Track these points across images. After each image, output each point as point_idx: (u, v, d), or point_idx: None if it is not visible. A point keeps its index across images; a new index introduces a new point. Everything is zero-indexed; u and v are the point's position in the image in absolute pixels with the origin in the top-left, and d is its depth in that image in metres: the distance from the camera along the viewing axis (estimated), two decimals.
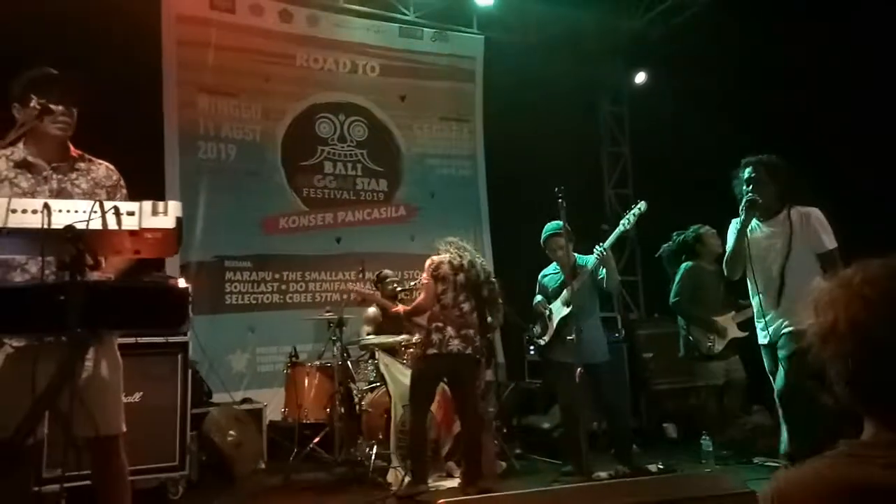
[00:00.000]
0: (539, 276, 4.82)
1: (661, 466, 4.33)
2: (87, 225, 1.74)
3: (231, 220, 6.04)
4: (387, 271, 5.59)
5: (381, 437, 4.60)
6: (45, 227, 1.73)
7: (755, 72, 6.14)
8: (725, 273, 3.69)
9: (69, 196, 2.28)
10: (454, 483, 4.21)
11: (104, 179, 2.42)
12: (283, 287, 6.27)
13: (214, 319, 5.79)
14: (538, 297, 4.70)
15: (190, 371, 4.31)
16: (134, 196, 2.32)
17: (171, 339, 4.18)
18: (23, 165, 2.29)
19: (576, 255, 4.60)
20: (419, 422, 4.03)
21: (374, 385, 4.89)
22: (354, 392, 4.89)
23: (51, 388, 1.96)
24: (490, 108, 7.46)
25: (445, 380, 4.21)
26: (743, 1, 6.20)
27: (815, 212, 3.45)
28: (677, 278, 4.90)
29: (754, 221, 3.55)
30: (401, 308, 4.46)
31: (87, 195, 2.32)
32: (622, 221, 4.30)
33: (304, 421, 4.91)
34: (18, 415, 1.98)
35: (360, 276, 5.37)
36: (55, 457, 2.54)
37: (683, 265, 4.93)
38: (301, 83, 6.69)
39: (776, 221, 3.48)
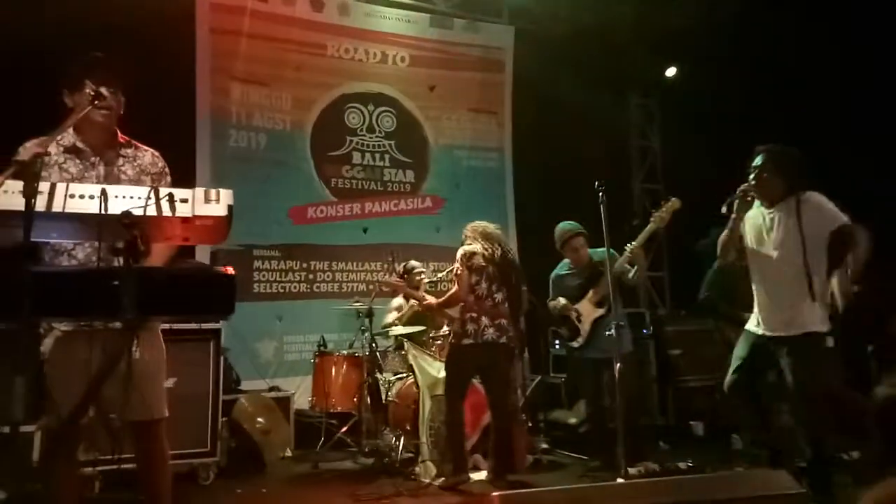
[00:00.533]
0: (552, 277, 4.78)
1: (690, 464, 4.29)
2: (145, 211, 1.75)
3: (260, 208, 6.07)
4: (413, 262, 5.58)
5: (408, 427, 4.61)
6: (103, 212, 1.74)
7: (789, 66, 6.04)
8: (718, 256, 3.63)
9: (116, 182, 2.30)
10: (481, 476, 4.20)
11: (150, 166, 2.44)
12: (311, 276, 6.30)
13: (242, 307, 5.80)
14: (561, 300, 4.65)
15: (222, 358, 4.35)
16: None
17: (204, 326, 4.24)
18: (72, 151, 2.31)
19: (589, 250, 4.58)
20: (457, 412, 4.04)
21: (400, 376, 4.90)
22: (381, 382, 4.91)
23: (101, 372, 1.99)
24: (518, 99, 7.42)
25: (479, 371, 4.19)
26: None
27: (816, 195, 3.37)
28: (709, 274, 4.84)
29: (761, 209, 3.48)
30: (432, 300, 4.46)
31: (132, 182, 2.34)
32: (653, 219, 4.25)
33: (332, 410, 4.93)
34: (71, 398, 2.01)
35: (392, 265, 5.37)
36: (90, 440, 2.58)
37: (716, 262, 4.87)
38: (331, 73, 6.70)
39: (782, 208, 3.40)
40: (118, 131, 2.44)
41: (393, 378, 4.90)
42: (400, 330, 4.99)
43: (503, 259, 4.20)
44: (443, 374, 4.37)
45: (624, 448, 3.47)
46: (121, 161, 2.40)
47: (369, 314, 4.90)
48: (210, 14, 6.12)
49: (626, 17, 7.39)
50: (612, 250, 4.34)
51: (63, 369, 2.15)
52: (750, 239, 3.48)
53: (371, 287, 5.96)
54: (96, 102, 2.09)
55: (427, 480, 4.09)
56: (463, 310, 4.15)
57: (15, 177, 1.60)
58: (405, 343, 4.86)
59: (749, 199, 3.45)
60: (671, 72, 7.65)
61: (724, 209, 3.52)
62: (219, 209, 1.88)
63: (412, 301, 5.11)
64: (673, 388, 5.81)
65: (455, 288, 4.18)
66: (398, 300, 5.42)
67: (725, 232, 3.52)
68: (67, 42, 4.40)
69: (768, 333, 3.38)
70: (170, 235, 2.00)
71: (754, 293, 3.51)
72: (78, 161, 2.32)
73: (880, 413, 2.81)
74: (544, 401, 5.75)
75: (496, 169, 7.42)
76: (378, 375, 4.92)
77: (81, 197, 1.76)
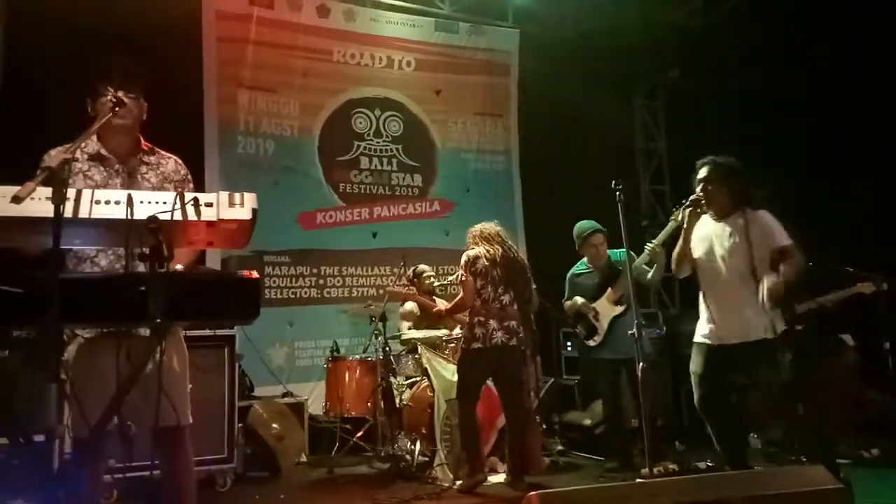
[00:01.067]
0: (568, 276, 4.78)
1: (709, 464, 4.27)
2: (171, 216, 1.75)
3: (269, 214, 6.02)
4: (423, 266, 5.58)
5: (423, 431, 4.59)
6: (129, 217, 1.74)
7: (795, 66, 6.03)
8: (673, 271, 3.67)
9: (139, 189, 2.30)
10: (499, 478, 4.19)
11: (172, 174, 2.44)
12: (321, 282, 6.30)
13: None
14: (578, 299, 4.64)
15: (237, 364, 4.35)
16: None
17: (219, 332, 4.23)
18: (96, 158, 2.31)
19: (608, 250, 4.58)
20: (469, 414, 4.02)
21: (413, 380, 4.89)
22: (395, 387, 4.90)
23: (128, 379, 1.98)
24: (525, 102, 7.42)
25: (491, 375, 4.18)
26: None
27: (763, 212, 3.42)
28: None
29: (710, 221, 3.51)
30: (442, 307, 4.46)
31: (155, 189, 2.34)
32: (673, 217, 4.23)
33: (346, 415, 4.92)
34: (94, 405, 2.01)
35: (402, 270, 5.37)
36: (109, 448, 2.57)
37: None
38: (337, 78, 6.72)
39: (730, 221, 3.44)
40: (141, 138, 2.44)
41: (407, 382, 4.89)
42: (413, 334, 4.98)
43: (506, 259, 4.18)
44: (457, 377, 4.36)
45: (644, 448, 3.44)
46: (144, 168, 2.40)
47: (382, 318, 4.89)
48: (216, 23, 6.14)
49: (631, 19, 7.41)
50: (622, 249, 4.34)
51: (87, 376, 2.14)
52: (699, 250, 3.50)
53: (381, 291, 5.97)
54: (117, 109, 2.08)
55: (445, 484, 4.08)
56: (471, 314, 4.14)
57: (44, 183, 1.60)
58: (419, 346, 4.85)
59: (699, 210, 3.48)
60: (675, 73, 7.65)
61: (672, 218, 3.53)
62: (243, 213, 1.89)
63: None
64: (687, 389, 5.77)
65: (461, 294, 4.17)
66: (410, 304, 5.41)
67: (679, 245, 3.56)
68: (76, 53, 4.43)
69: (719, 343, 3.40)
70: (194, 240, 2.00)
71: (703, 304, 3.52)
72: (102, 168, 2.32)
73: None
74: (558, 402, 5.73)
75: (503, 172, 7.43)
76: (392, 379, 4.91)
77: (107, 203, 1.76)
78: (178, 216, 1.80)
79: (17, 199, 1.51)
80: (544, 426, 5.12)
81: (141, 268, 1.84)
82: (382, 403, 4.86)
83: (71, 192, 1.71)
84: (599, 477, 4.28)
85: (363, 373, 4.96)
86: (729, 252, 3.39)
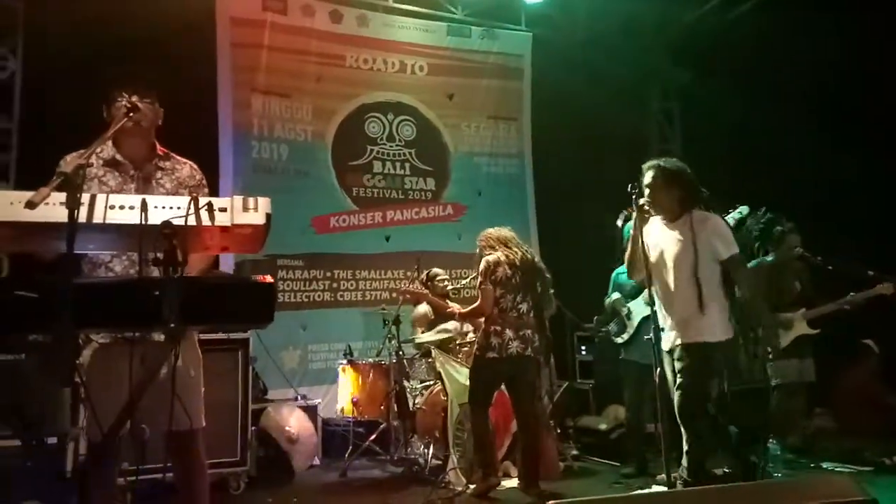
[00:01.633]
0: (613, 275, 4.76)
1: (727, 470, 4.21)
2: (186, 221, 1.75)
3: (283, 218, 6.01)
4: (437, 270, 5.57)
5: (437, 435, 4.58)
6: (143, 222, 1.74)
7: (811, 67, 5.98)
8: (627, 275, 3.65)
9: (154, 194, 2.31)
10: (513, 483, 4.16)
11: (188, 179, 2.45)
12: (335, 285, 6.32)
13: None
14: (615, 296, 4.66)
15: (250, 368, 4.37)
16: None
17: (233, 336, 4.25)
18: (111, 164, 2.33)
19: None
20: (482, 419, 4.00)
21: (427, 383, 4.88)
22: (409, 390, 4.89)
23: (142, 384, 1.99)
24: (538, 105, 7.40)
25: (505, 382, 4.16)
26: None
27: (714, 218, 3.40)
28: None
29: (662, 226, 3.49)
30: (456, 309, 4.44)
31: (170, 194, 2.35)
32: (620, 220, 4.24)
33: (359, 418, 4.93)
34: (110, 409, 2.02)
35: (416, 273, 5.37)
36: (122, 451, 2.58)
37: (756, 261, 4.83)
38: (350, 83, 6.73)
39: (678, 225, 3.43)
40: (157, 143, 2.45)
41: (420, 385, 4.88)
42: (427, 337, 4.97)
43: (525, 263, 4.15)
44: (469, 382, 4.34)
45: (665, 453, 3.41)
46: (159, 174, 2.41)
47: (396, 321, 4.88)
48: (230, 28, 6.17)
49: (645, 20, 7.37)
50: None
51: (102, 381, 2.15)
52: (652, 256, 3.47)
53: (394, 295, 5.97)
54: (131, 114, 2.10)
55: (458, 488, 4.06)
56: (487, 322, 4.10)
57: (58, 189, 1.61)
58: (432, 350, 4.84)
59: (646, 214, 3.45)
60: (686, 77, 7.61)
61: (618, 222, 3.50)
62: (257, 217, 1.89)
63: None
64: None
65: (480, 301, 4.12)
66: (423, 307, 5.40)
67: (628, 249, 3.55)
68: (92, 60, 4.48)
69: (670, 344, 3.40)
70: (209, 245, 2.00)
71: (660, 310, 3.50)
72: (117, 174, 2.34)
73: None
74: (572, 407, 5.69)
75: (517, 175, 7.41)
76: (405, 383, 4.91)
77: (122, 208, 1.77)
78: (192, 221, 1.80)
79: (31, 205, 1.52)
80: (558, 430, 5.10)
81: (155, 273, 1.85)
82: (396, 407, 4.86)
83: (85, 198, 1.71)
84: (614, 483, 4.25)
85: (376, 376, 4.96)
86: (676, 257, 3.38)
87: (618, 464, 4.66)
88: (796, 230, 4.85)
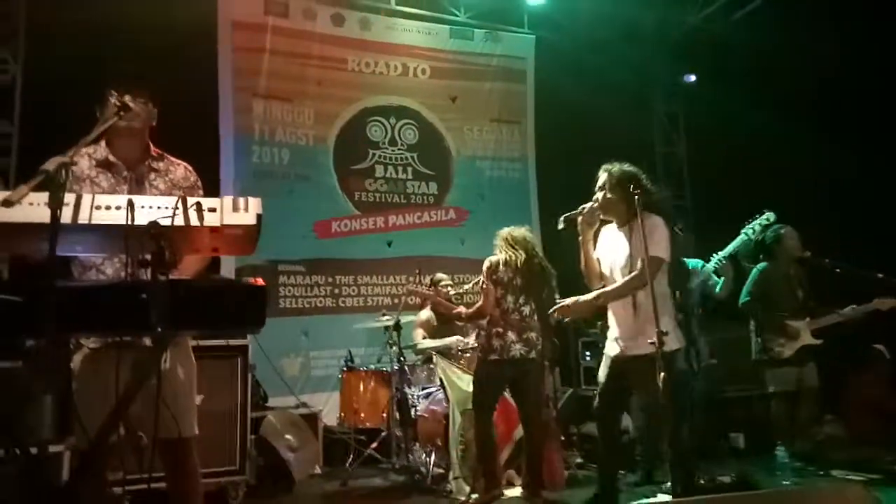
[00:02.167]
0: None
1: (733, 477, 4.13)
2: (172, 221, 1.69)
3: (284, 224, 6.03)
4: (440, 275, 5.50)
5: (438, 443, 4.51)
6: (130, 223, 1.68)
7: (815, 68, 5.92)
8: (586, 282, 3.56)
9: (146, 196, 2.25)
10: (515, 492, 4.08)
11: (182, 180, 2.40)
12: (336, 291, 6.26)
13: (268, 323, 5.69)
14: None
15: (249, 375, 4.30)
16: None
17: (231, 342, 4.19)
18: (104, 165, 2.28)
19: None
20: (485, 426, 3.92)
21: (429, 390, 4.81)
22: (410, 397, 4.82)
23: (129, 390, 1.92)
24: (541, 108, 7.36)
25: (509, 387, 4.08)
26: None
27: (654, 219, 3.29)
28: (751, 278, 4.69)
29: (614, 231, 3.43)
30: (462, 310, 4.36)
31: (164, 196, 2.28)
32: (745, 231, 4.17)
33: (360, 426, 4.85)
34: (98, 417, 1.95)
35: (417, 278, 5.30)
36: (118, 459, 2.52)
37: (758, 266, 4.72)
38: (352, 87, 6.70)
39: (626, 230, 3.36)
40: (150, 144, 2.40)
41: (422, 392, 4.81)
42: (428, 343, 4.90)
43: (528, 266, 4.07)
44: (472, 388, 4.27)
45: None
46: (152, 175, 2.36)
47: (397, 327, 4.82)
48: (232, 32, 6.15)
49: (648, 23, 7.33)
50: (700, 261, 4.27)
51: (91, 387, 2.09)
52: (604, 262, 3.41)
53: (396, 300, 5.90)
54: (122, 113, 2.04)
55: (461, 498, 3.99)
56: (489, 324, 4.03)
57: (40, 188, 1.55)
58: (434, 356, 4.77)
59: (591, 220, 3.38)
60: (691, 78, 7.55)
61: (560, 225, 3.42)
62: (248, 218, 1.83)
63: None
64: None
65: (481, 301, 4.07)
66: (426, 313, 5.34)
67: (582, 257, 3.45)
68: (91, 64, 4.44)
69: (621, 355, 3.30)
70: (198, 246, 1.94)
71: (609, 314, 3.42)
72: (110, 175, 2.29)
73: None
74: (576, 414, 5.60)
75: (520, 179, 7.35)
76: (406, 390, 4.83)
77: (108, 208, 1.71)
78: (180, 222, 1.74)
79: (7, 203, 1.46)
80: (563, 438, 5.01)
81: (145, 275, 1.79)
82: (397, 414, 4.78)
83: (70, 198, 1.66)
84: (620, 492, 4.15)
85: (377, 383, 4.89)
86: (626, 260, 3.31)
87: (623, 472, 4.56)
88: (795, 234, 4.73)
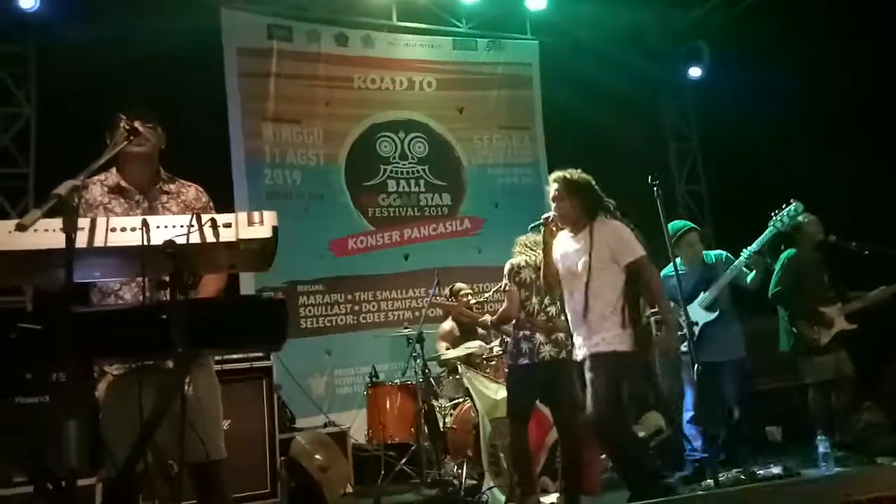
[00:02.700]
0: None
1: (782, 469, 4.02)
2: (188, 238, 1.67)
3: (301, 244, 6.04)
4: (460, 284, 5.47)
5: (469, 454, 4.44)
6: (145, 243, 1.67)
7: (821, 57, 5.85)
8: (545, 287, 3.69)
9: None
10: (551, 499, 4.00)
11: (194, 202, 2.40)
12: (356, 308, 6.24)
13: (291, 344, 5.66)
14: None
15: (275, 396, 4.28)
16: None
17: (256, 364, 4.19)
18: (116, 190, 2.29)
19: (703, 252, 4.42)
20: (521, 434, 3.85)
21: (456, 401, 4.75)
22: (438, 409, 4.76)
23: (154, 415, 1.90)
24: (550, 112, 7.32)
25: (541, 391, 4.00)
26: None
27: (614, 223, 3.39)
28: (777, 268, 4.60)
29: (568, 237, 3.49)
30: (487, 317, 4.31)
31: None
32: (773, 223, 4.12)
33: (389, 441, 4.80)
34: (126, 444, 1.93)
35: (437, 289, 5.26)
36: (148, 487, 2.50)
37: (784, 254, 4.63)
38: (360, 104, 6.71)
39: (580, 236, 3.42)
40: (160, 168, 2.40)
41: (449, 404, 4.75)
42: (452, 354, 4.85)
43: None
44: (500, 395, 4.20)
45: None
46: (164, 197, 2.37)
47: (420, 339, 4.78)
48: (237, 58, 6.19)
49: (651, 20, 7.28)
50: (727, 253, 4.23)
51: (117, 415, 2.08)
52: (561, 268, 3.49)
53: (417, 314, 5.87)
54: (131, 137, 2.04)
55: None
56: (516, 328, 3.98)
57: (53, 213, 1.55)
58: (459, 366, 4.72)
59: (554, 227, 3.48)
60: (696, 72, 7.49)
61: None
62: (264, 231, 1.81)
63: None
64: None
65: (506, 304, 4.02)
66: (448, 324, 5.29)
67: (542, 265, 3.58)
68: (102, 102, 4.49)
69: (577, 356, 3.41)
70: (216, 264, 1.93)
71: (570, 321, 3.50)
72: (122, 200, 2.29)
73: None
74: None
75: (532, 184, 7.28)
76: (434, 402, 4.78)
77: (123, 230, 1.70)
78: (195, 239, 1.72)
79: (21, 227, 1.46)
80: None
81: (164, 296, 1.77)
82: (426, 428, 4.73)
83: (85, 222, 1.66)
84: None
85: (404, 397, 4.84)
86: (578, 267, 3.37)
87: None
88: (815, 219, 4.65)
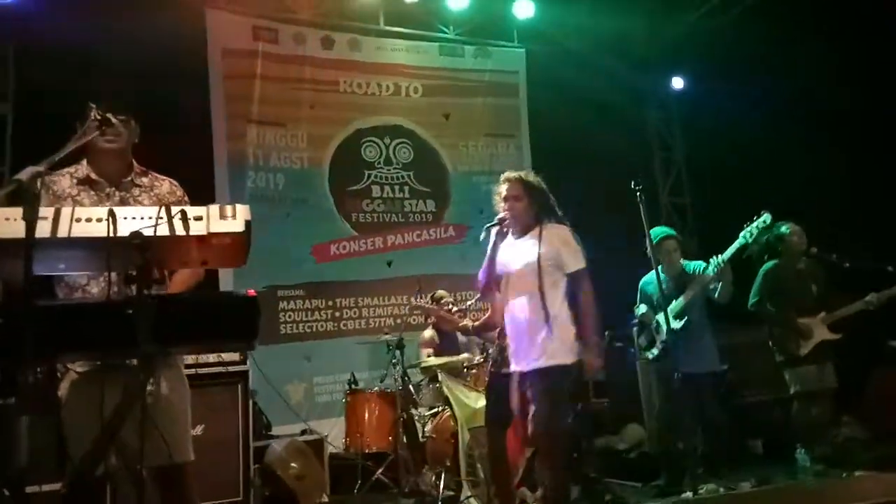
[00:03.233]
0: (640, 284, 4.58)
1: (753, 483, 4.00)
2: (155, 231, 1.61)
3: (282, 248, 5.96)
4: (441, 292, 5.43)
5: (448, 463, 4.37)
6: (111, 235, 1.60)
7: (806, 68, 5.91)
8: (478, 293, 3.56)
9: None
10: None
11: (168, 195, 2.32)
12: (337, 314, 6.16)
13: (269, 350, 5.66)
14: (642, 308, 4.48)
15: (251, 402, 4.18)
16: None
17: (231, 369, 4.09)
18: (86, 182, 2.21)
19: (683, 261, 4.39)
20: (498, 443, 3.78)
21: (436, 410, 4.68)
22: (417, 418, 4.69)
23: (118, 413, 1.83)
24: (535, 120, 7.32)
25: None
26: None
27: (563, 229, 3.27)
28: (758, 279, 4.61)
29: (512, 240, 3.37)
30: (468, 322, 4.25)
31: None
32: (743, 234, 4.10)
33: (367, 450, 4.71)
34: (88, 444, 1.85)
35: (418, 297, 5.20)
36: (122, 495, 2.41)
37: (764, 266, 4.64)
38: (345, 108, 6.66)
39: (528, 238, 3.29)
40: (134, 161, 2.33)
41: (428, 413, 4.68)
42: (433, 361, 4.79)
43: None
44: (480, 404, 4.13)
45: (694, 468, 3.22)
46: (136, 191, 2.29)
47: (399, 346, 4.71)
48: (222, 60, 6.12)
49: (637, 30, 7.33)
50: (701, 262, 4.21)
51: (79, 414, 2.00)
52: (504, 269, 3.34)
53: (399, 321, 5.79)
54: (103, 128, 1.97)
55: None
56: (500, 335, 3.92)
57: (14, 201, 1.47)
58: (439, 375, 4.65)
59: (505, 229, 3.34)
60: (678, 83, 7.55)
61: (482, 237, 3.39)
62: (236, 225, 1.75)
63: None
64: (725, 405, 5.48)
65: (489, 312, 3.97)
66: (428, 332, 5.23)
67: (484, 266, 3.43)
68: (82, 100, 4.40)
69: (518, 369, 3.22)
70: (186, 259, 1.86)
71: (506, 327, 3.36)
72: (93, 192, 2.22)
73: None
74: (587, 427, 5.45)
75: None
76: (413, 411, 4.71)
77: (88, 220, 1.63)
78: (164, 231, 1.66)
79: None
80: (574, 454, 4.86)
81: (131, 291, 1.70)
82: (404, 437, 4.65)
83: (48, 212, 1.59)
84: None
85: (382, 405, 4.75)
86: (523, 271, 3.22)
87: (638, 484, 4.43)
88: (798, 229, 4.66)
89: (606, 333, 5.14)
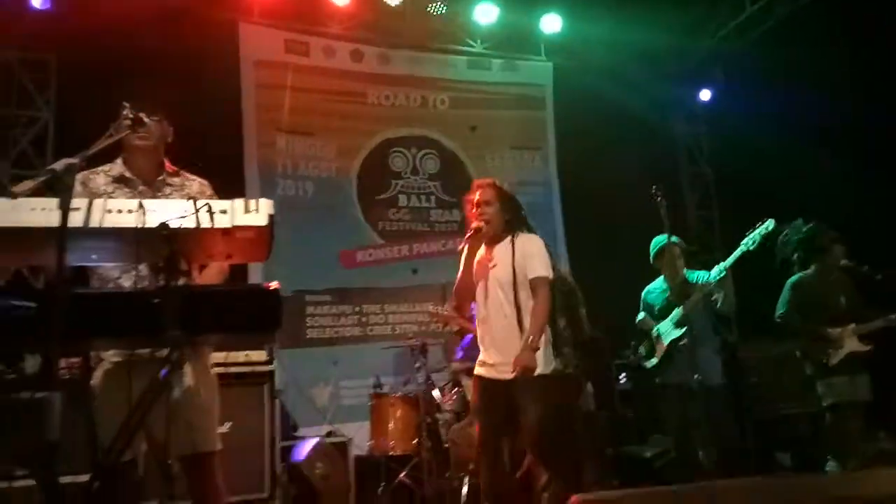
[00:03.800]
0: (643, 294, 4.55)
1: None
2: (183, 223, 1.69)
3: (310, 255, 6.07)
4: None
5: (471, 468, 4.38)
6: (140, 226, 1.68)
7: (836, 82, 5.84)
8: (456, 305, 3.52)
9: None
10: None
11: (198, 195, 2.41)
12: (363, 319, 6.24)
13: (296, 354, 5.76)
14: (641, 315, 4.45)
15: (277, 402, 4.27)
16: None
17: (258, 369, 4.18)
18: (120, 180, 2.32)
19: (686, 270, 4.34)
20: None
21: (460, 414, 4.71)
22: (441, 422, 4.72)
23: (144, 401, 1.90)
24: (562, 134, 7.35)
25: None
26: (818, 14, 5.97)
27: (535, 238, 3.27)
28: (785, 290, 4.52)
29: (483, 248, 3.34)
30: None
31: None
32: (745, 241, 4.05)
33: (391, 453, 4.76)
34: (116, 431, 1.92)
35: (444, 302, 5.25)
36: (152, 486, 2.48)
37: (790, 279, 4.56)
38: (373, 120, 6.78)
39: (501, 247, 3.26)
40: (165, 161, 2.43)
41: (452, 416, 4.71)
42: (457, 366, 4.82)
43: (557, 281, 3.99)
44: None
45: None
46: (168, 189, 2.39)
47: (423, 350, 4.75)
48: (254, 71, 6.31)
49: (664, 45, 7.32)
50: (706, 272, 4.16)
51: (109, 402, 2.08)
52: (476, 279, 3.31)
53: (424, 327, 5.85)
54: (135, 127, 2.07)
55: None
56: (472, 345, 3.94)
57: (48, 187, 1.57)
58: (462, 380, 4.68)
59: (480, 237, 3.30)
60: (706, 95, 7.50)
61: (461, 246, 3.34)
62: (259, 219, 1.83)
63: None
64: (752, 419, 5.40)
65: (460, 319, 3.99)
66: None
67: (459, 275, 3.39)
68: (117, 101, 4.56)
69: (496, 377, 3.16)
70: (211, 252, 1.94)
71: (479, 335, 3.32)
72: (126, 189, 2.32)
73: None
74: (614, 436, 5.42)
75: (543, 203, 7.28)
76: (437, 415, 4.74)
77: (119, 211, 1.71)
78: (190, 223, 1.74)
79: (13, 195, 1.48)
80: (599, 461, 4.83)
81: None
82: (428, 440, 4.68)
83: (82, 202, 1.67)
84: None
85: (407, 409, 4.80)
86: (497, 280, 3.21)
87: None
88: (842, 241, 4.58)
89: (632, 344, 5.10)
